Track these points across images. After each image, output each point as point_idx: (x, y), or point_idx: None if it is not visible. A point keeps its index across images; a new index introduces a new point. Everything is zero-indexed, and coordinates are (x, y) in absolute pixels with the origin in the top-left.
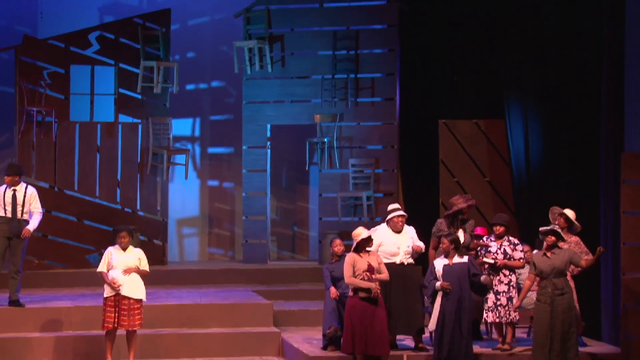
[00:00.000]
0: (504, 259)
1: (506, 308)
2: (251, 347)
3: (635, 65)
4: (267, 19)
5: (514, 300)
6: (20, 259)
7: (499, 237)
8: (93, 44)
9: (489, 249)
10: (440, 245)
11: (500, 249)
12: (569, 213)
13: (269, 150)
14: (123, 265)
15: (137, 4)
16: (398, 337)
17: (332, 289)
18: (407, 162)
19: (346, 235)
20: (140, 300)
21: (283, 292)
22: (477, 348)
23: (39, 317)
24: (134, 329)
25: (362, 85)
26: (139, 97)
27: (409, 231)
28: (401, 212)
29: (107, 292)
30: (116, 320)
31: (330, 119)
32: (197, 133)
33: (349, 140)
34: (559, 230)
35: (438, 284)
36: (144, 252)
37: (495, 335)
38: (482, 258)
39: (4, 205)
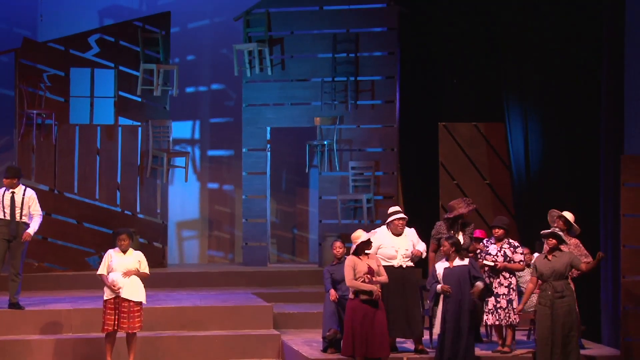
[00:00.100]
0: (504, 261)
1: (506, 310)
2: (251, 350)
3: (635, 66)
4: (267, 21)
5: (514, 303)
6: (20, 261)
7: (498, 240)
8: (93, 46)
9: (489, 250)
10: (441, 248)
11: (500, 251)
12: (568, 215)
13: (268, 153)
14: (123, 268)
15: (137, 7)
16: (398, 339)
17: (332, 291)
18: (407, 164)
19: (346, 238)
20: (140, 302)
21: (283, 295)
22: (477, 350)
23: (39, 319)
24: (134, 331)
25: (362, 88)
26: (139, 99)
27: (409, 234)
28: (402, 215)
29: (107, 294)
30: (116, 322)
31: (330, 121)
32: (197, 136)
33: (348, 143)
34: (560, 233)
35: (439, 287)
36: (144, 254)
37: (495, 338)
38: (483, 261)
39: (3, 208)
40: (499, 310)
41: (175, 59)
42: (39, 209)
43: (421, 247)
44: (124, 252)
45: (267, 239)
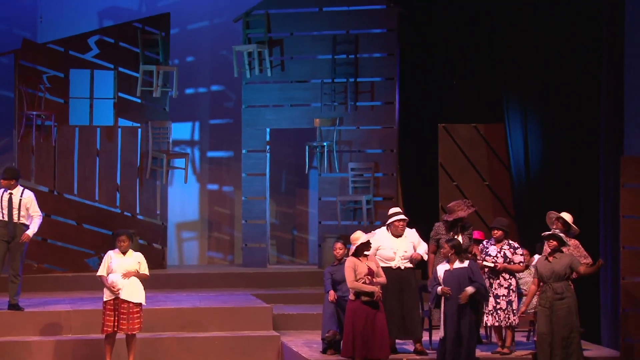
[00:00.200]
0: (504, 262)
1: (506, 312)
2: (251, 351)
3: (635, 66)
4: (266, 23)
5: (514, 304)
6: (19, 262)
7: (497, 241)
8: (92, 48)
9: (488, 252)
10: (441, 250)
11: (500, 252)
12: (566, 216)
13: (268, 154)
14: (123, 269)
15: (136, 8)
16: (398, 340)
17: (331, 292)
18: (406, 166)
19: (346, 239)
20: (140, 304)
21: (282, 296)
22: (476, 352)
23: (39, 320)
24: (134, 332)
25: (361, 89)
26: (139, 101)
27: (410, 235)
28: (402, 216)
29: (107, 295)
30: (116, 324)
31: (329, 122)
32: (196, 137)
33: (348, 144)
34: (561, 234)
35: (439, 289)
36: (144, 256)
37: (494, 339)
38: (482, 262)
39: (1, 209)
40: (498, 312)
41: (174, 60)
42: (39, 210)
43: (422, 248)
44: (124, 253)
45: (267, 240)
